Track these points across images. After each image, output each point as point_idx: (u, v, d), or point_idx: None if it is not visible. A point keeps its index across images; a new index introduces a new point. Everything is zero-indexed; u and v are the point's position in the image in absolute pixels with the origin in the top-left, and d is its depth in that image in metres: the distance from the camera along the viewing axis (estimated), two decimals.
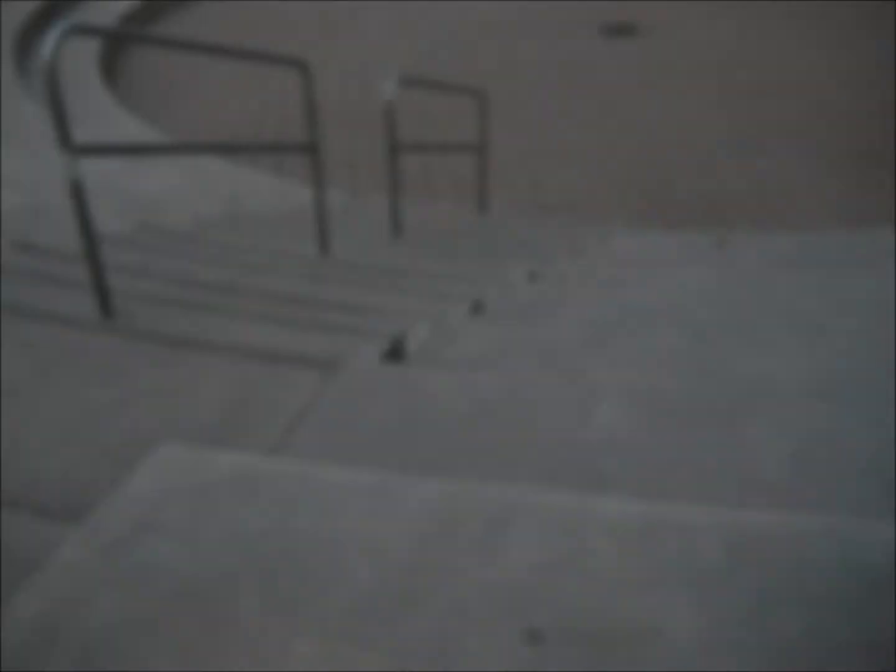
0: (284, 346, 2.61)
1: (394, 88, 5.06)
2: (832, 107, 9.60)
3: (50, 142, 4.33)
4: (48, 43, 2.71)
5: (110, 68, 11.42)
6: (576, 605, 1.30)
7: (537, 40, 12.29)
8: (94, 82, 10.09)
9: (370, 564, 1.43)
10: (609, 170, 8.43)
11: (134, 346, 2.59)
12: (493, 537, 1.45)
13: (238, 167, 7.82)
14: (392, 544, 1.47)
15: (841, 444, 2.06)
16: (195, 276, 3.67)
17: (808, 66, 10.94)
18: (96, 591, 1.39)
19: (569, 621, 1.27)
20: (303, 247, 4.60)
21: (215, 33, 13.64)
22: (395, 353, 2.76)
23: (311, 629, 1.29)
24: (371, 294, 3.52)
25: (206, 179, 7.03)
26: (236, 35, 13.58)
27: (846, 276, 4.68)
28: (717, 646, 1.22)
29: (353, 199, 7.58)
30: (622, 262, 4.87)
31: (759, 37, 12.13)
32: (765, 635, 1.24)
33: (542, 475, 1.96)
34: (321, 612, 1.32)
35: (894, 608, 1.26)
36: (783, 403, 2.38)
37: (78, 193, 2.83)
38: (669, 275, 4.45)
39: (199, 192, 6.62)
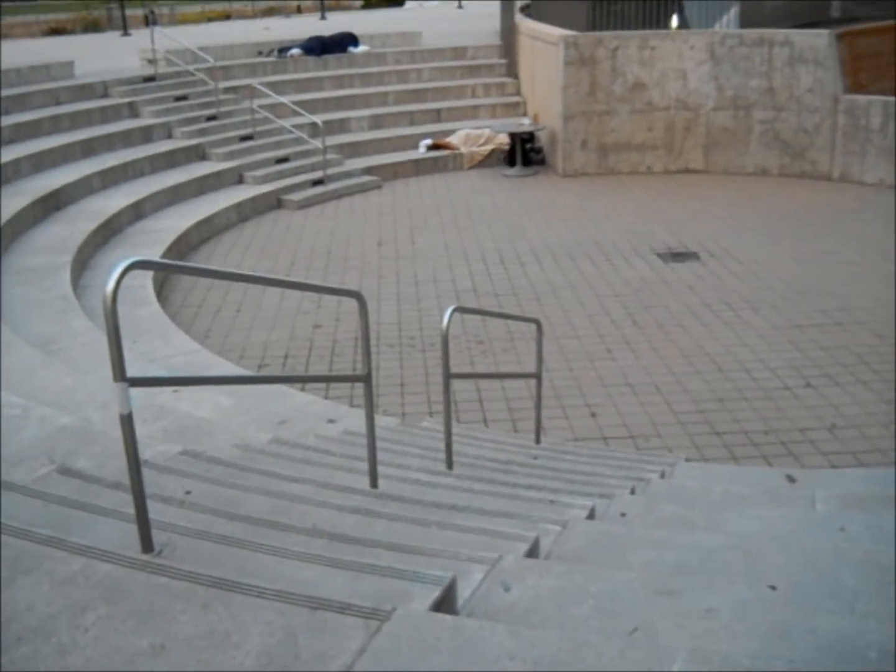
0: (330, 592, 2.47)
1: (448, 317, 5.10)
2: None
3: (100, 359, 4.44)
4: (111, 277, 2.73)
5: (165, 284, 11.75)
6: None
7: (594, 264, 12.38)
8: (150, 297, 10.37)
9: None
10: (671, 398, 8.28)
11: (174, 586, 2.47)
12: None
13: (287, 389, 7.85)
14: None
15: None
16: (239, 508, 3.58)
17: (875, 293, 10.81)
18: None
19: None
20: (351, 478, 4.52)
21: (278, 242, 14.06)
22: (447, 601, 2.61)
23: None
24: (422, 533, 3.40)
25: (254, 402, 7.04)
26: (299, 244, 13.98)
27: None
28: None
29: (405, 424, 7.52)
30: (686, 499, 4.70)
31: (823, 263, 12.09)
32: None
33: None
34: None
35: None
36: None
37: (128, 425, 2.80)
38: (738, 515, 4.26)
39: (247, 414, 6.62)
